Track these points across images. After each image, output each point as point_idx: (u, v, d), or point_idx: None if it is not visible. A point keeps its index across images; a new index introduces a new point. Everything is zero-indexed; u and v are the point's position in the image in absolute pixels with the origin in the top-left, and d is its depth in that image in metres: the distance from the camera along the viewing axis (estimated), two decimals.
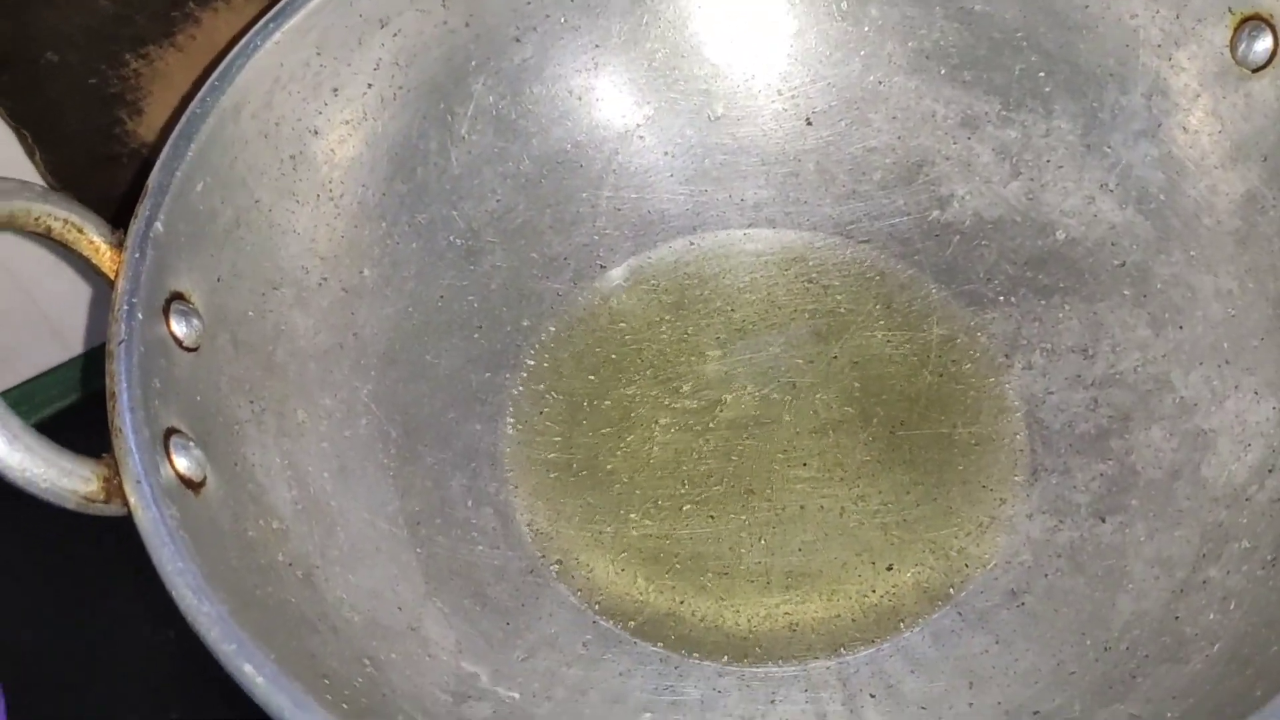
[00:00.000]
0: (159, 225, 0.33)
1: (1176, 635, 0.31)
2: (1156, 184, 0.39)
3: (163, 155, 0.34)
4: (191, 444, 0.31)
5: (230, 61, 0.36)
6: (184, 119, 0.35)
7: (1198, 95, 0.38)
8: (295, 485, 0.35)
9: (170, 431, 0.31)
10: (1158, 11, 0.38)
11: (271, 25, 0.37)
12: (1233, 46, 0.36)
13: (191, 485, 0.31)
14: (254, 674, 0.25)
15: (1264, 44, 0.36)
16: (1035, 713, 0.31)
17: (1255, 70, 0.36)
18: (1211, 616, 0.30)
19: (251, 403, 0.35)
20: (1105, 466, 0.37)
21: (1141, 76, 0.39)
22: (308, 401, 0.37)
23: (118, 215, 0.36)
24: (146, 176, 0.36)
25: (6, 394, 0.48)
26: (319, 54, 0.39)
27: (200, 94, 0.36)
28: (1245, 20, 0.36)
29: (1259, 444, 0.34)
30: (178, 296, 0.34)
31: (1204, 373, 0.36)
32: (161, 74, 0.47)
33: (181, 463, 0.30)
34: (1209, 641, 0.30)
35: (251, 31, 0.37)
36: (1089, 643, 0.33)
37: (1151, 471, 0.36)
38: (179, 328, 0.33)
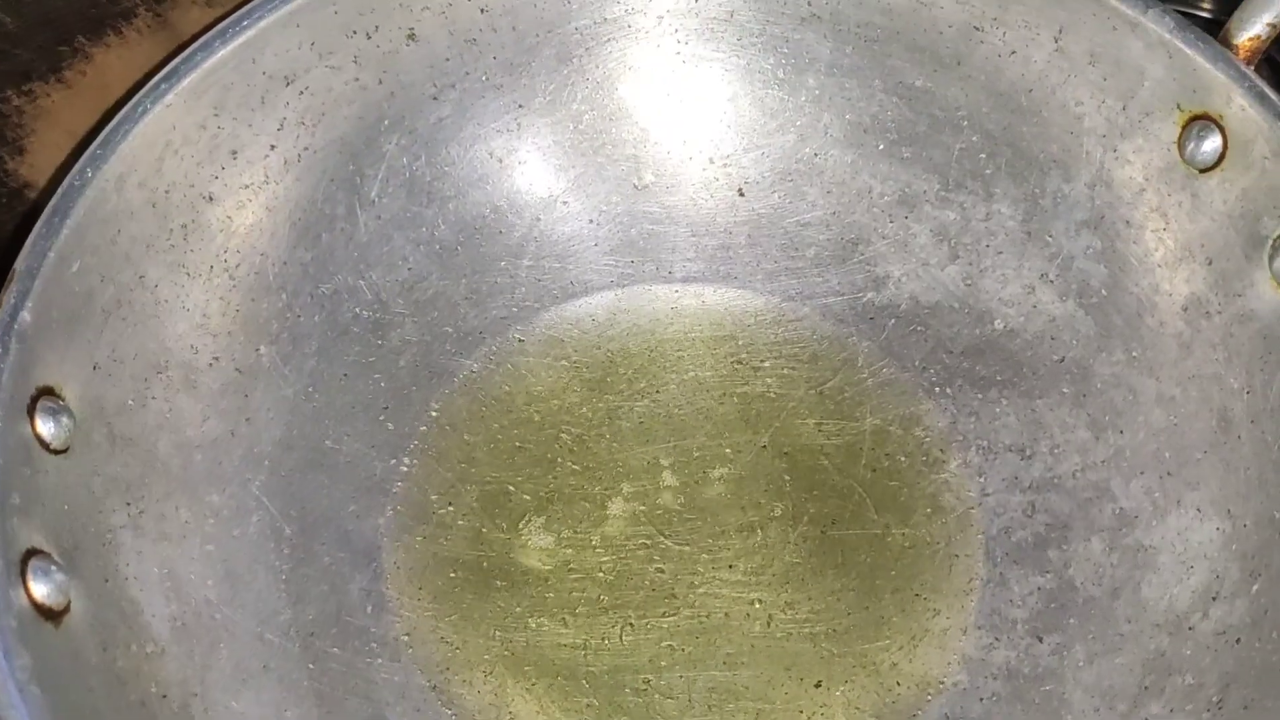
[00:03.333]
0: (26, 315, 0.30)
1: None
2: (1098, 278, 0.38)
3: (33, 234, 0.31)
4: (54, 567, 0.28)
5: (115, 126, 0.33)
6: (59, 193, 0.32)
7: (1142, 190, 0.37)
8: (175, 598, 0.32)
9: (30, 554, 0.28)
10: (1104, 101, 0.37)
11: (164, 86, 0.34)
12: (1180, 144, 0.35)
13: (51, 615, 0.27)
14: None
15: (1212, 144, 0.34)
16: None
17: (1203, 170, 0.35)
18: None
19: (128, 505, 0.32)
20: (1043, 580, 0.35)
21: (1085, 165, 0.38)
22: (192, 499, 0.34)
23: None
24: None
25: None
26: (216, 115, 0.36)
27: (79, 164, 0.32)
28: (1194, 119, 0.35)
29: (1202, 567, 0.32)
30: (46, 392, 0.30)
31: (1145, 483, 0.35)
32: (46, 111, 0.44)
33: (40, 590, 0.27)
34: None
35: (141, 93, 0.34)
36: None
37: (1090, 588, 0.34)
38: (46, 428, 0.30)
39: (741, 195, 0.43)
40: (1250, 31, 0.34)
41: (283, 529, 0.35)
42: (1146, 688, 0.31)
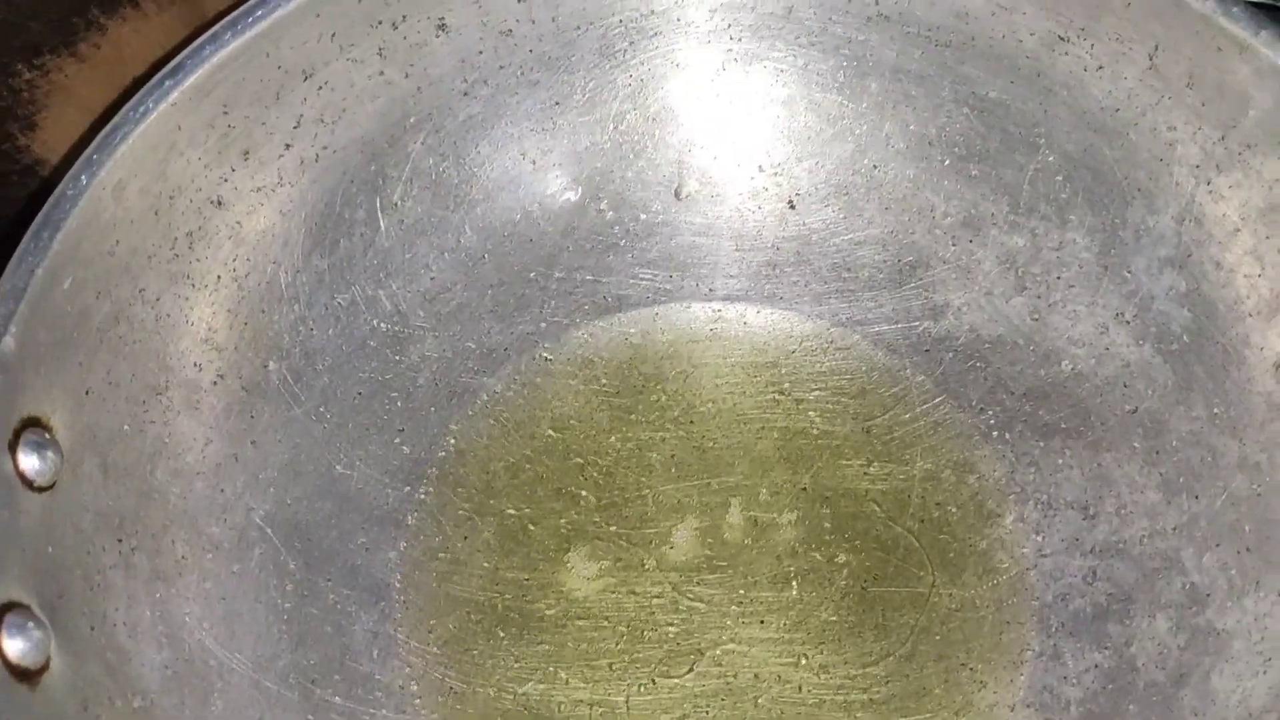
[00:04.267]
0: (9, 340, 0.28)
1: None
2: (1181, 322, 0.35)
3: (19, 250, 0.29)
4: (31, 623, 0.26)
5: (113, 128, 0.31)
6: (49, 203, 0.29)
7: (1237, 230, 0.33)
8: (168, 644, 0.30)
9: (5, 608, 0.26)
10: (1200, 128, 0.33)
11: (168, 82, 0.31)
12: None
13: (27, 676, 0.26)
14: None
15: None
16: None
17: None
18: None
19: (120, 541, 0.30)
20: (1101, 656, 0.32)
21: (1174, 198, 0.34)
22: (191, 531, 0.32)
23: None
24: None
25: None
26: (226, 112, 0.33)
27: (72, 170, 0.30)
28: None
29: None
30: (32, 424, 0.28)
31: (1220, 557, 0.32)
32: (59, 86, 0.42)
33: (15, 649, 0.26)
34: None
35: (142, 91, 0.31)
36: None
37: (1153, 671, 0.32)
38: (30, 464, 0.28)
39: (792, 208, 0.39)
40: None
41: (287, 563, 0.33)
42: None
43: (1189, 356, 0.34)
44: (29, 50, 0.41)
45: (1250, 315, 0.33)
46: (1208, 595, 0.32)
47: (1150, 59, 0.34)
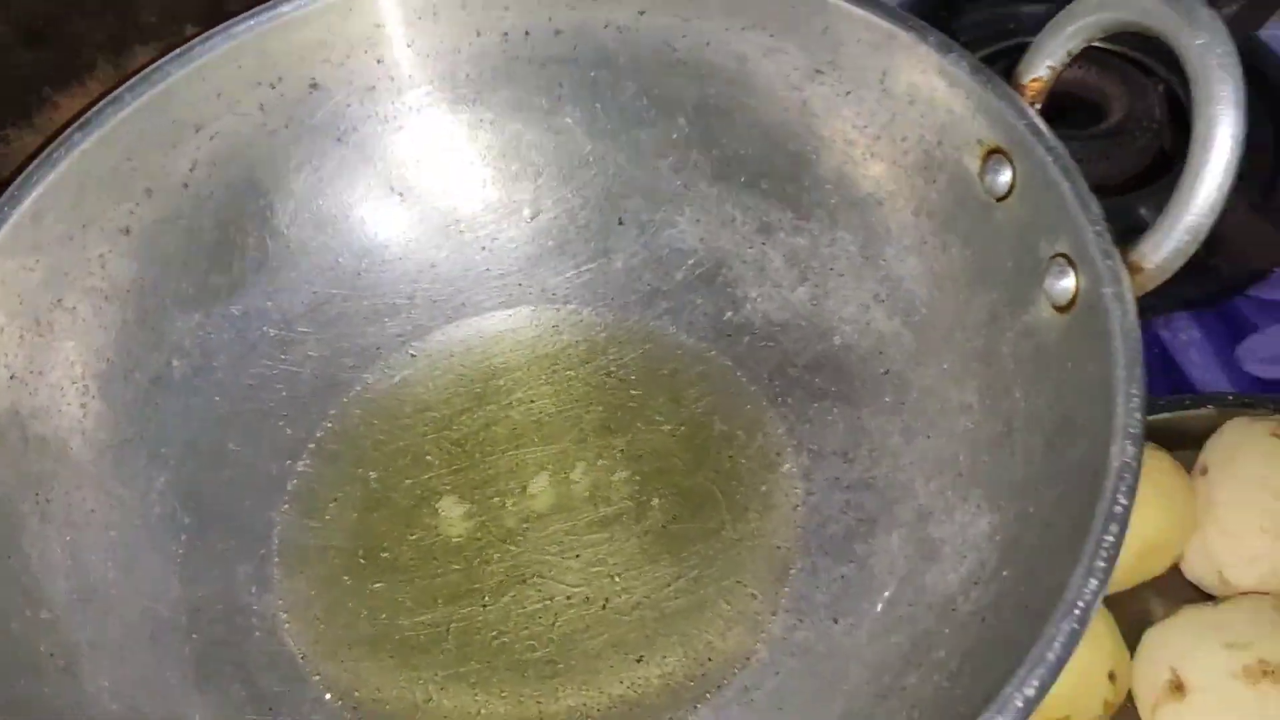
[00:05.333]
0: None
1: None
2: (920, 297, 0.41)
3: None
4: None
5: (32, 171, 0.39)
6: None
7: (955, 216, 0.40)
8: (74, 575, 0.37)
9: None
10: (923, 136, 0.41)
11: (78, 136, 0.39)
12: (981, 175, 0.39)
13: None
14: None
15: (1005, 175, 0.38)
16: None
17: (999, 199, 0.38)
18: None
19: (36, 495, 0.37)
20: (847, 569, 0.39)
21: (911, 196, 0.42)
22: (100, 491, 0.39)
23: None
24: None
25: None
26: (129, 160, 0.41)
27: None
28: (991, 152, 0.38)
29: (972, 556, 0.36)
30: None
31: (941, 483, 0.38)
32: (19, 152, 0.50)
33: None
34: None
35: (55, 143, 0.39)
36: None
37: (884, 576, 0.38)
38: None
39: (621, 224, 0.47)
40: (1034, 73, 0.37)
41: (182, 519, 0.40)
42: (909, 662, 0.34)
43: (926, 325, 0.41)
44: None
45: (967, 285, 0.40)
46: (930, 513, 0.38)
47: (881, 83, 0.41)
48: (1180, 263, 0.33)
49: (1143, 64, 0.58)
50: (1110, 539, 0.29)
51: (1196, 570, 0.42)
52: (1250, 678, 0.37)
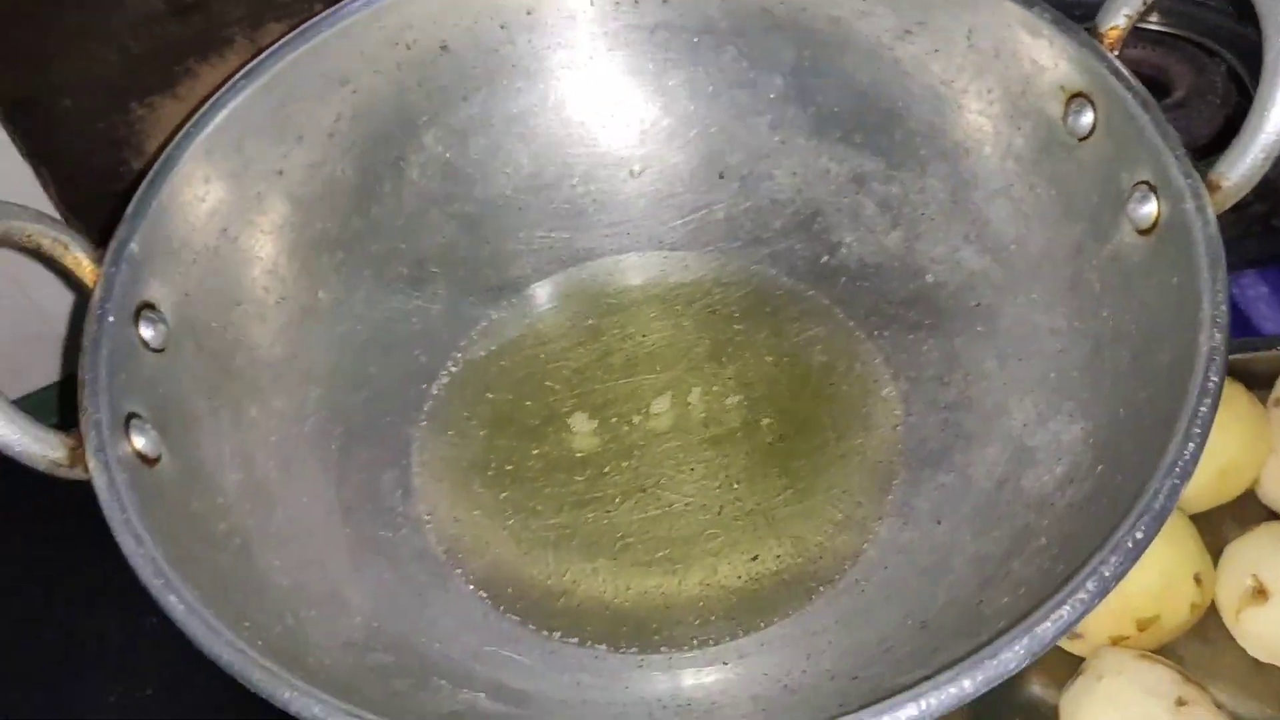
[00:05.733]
0: (134, 246, 0.39)
1: (977, 617, 0.36)
2: (1009, 235, 0.45)
3: (143, 186, 0.41)
4: (149, 427, 0.37)
5: (204, 112, 0.43)
6: (162, 157, 0.42)
7: (1038, 160, 0.44)
8: (242, 470, 0.41)
9: (131, 415, 0.37)
10: (1008, 87, 0.44)
11: (242, 82, 0.44)
12: (1064, 119, 0.42)
13: (146, 460, 0.36)
14: (176, 603, 0.31)
15: (1087, 117, 0.41)
16: (854, 678, 0.36)
17: (1081, 139, 0.42)
18: (1005, 600, 0.35)
19: (209, 399, 0.41)
20: (947, 478, 0.42)
21: (996, 142, 0.45)
22: (261, 402, 0.43)
23: None
24: None
25: (22, 400, 0.55)
26: (284, 106, 0.45)
27: (178, 136, 0.42)
28: (1073, 96, 0.42)
29: (1067, 459, 0.39)
30: (148, 306, 0.40)
31: (1035, 399, 0.42)
32: (162, 120, 0.54)
33: (139, 441, 0.36)
34: (999, 620, 0.35)
35: (223, 88, 0.43)
36: (909, 623, 0.38)
37: (983, 482, 0.41)
38: (147, 332, 0.39)
39: (722, 177, 0.51)
40: (1112, 22, 0.41)
41: (333, 429, 0.44)
42: (1010, 552, 0.37)
43: (1015, 260, 0.45)
44: (141, 92, 0.52)
45: (1055, 221, 0.43)
46: (1025, 426, 0.41)
47: (968, 40, 0.45)
48: (1256, 179, 0.36)
49: (1204, 45, 0.61)
50: (1204, 410, 0.32)
51: (1271, 494, 0.45)
52: None
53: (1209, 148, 0.58)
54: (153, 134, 0.53)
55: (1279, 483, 0.44)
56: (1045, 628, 0.29)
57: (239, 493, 0.40)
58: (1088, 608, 0.29)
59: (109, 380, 0.36)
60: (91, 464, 0.34)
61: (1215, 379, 0.32)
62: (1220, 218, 0.48)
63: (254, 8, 0.54)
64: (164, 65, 0.53)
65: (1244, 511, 0.45)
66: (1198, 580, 0.41)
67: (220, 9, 0.54)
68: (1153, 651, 0.40)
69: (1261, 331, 0.52)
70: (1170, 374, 0.35)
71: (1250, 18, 0.61)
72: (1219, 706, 0.38)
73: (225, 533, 0.38)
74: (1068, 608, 0.29)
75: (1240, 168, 0.36)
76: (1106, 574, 0.30)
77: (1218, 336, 0.33)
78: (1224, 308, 0.34)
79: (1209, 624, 0.42)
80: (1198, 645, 0.41)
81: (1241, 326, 0.52)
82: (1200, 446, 0.31)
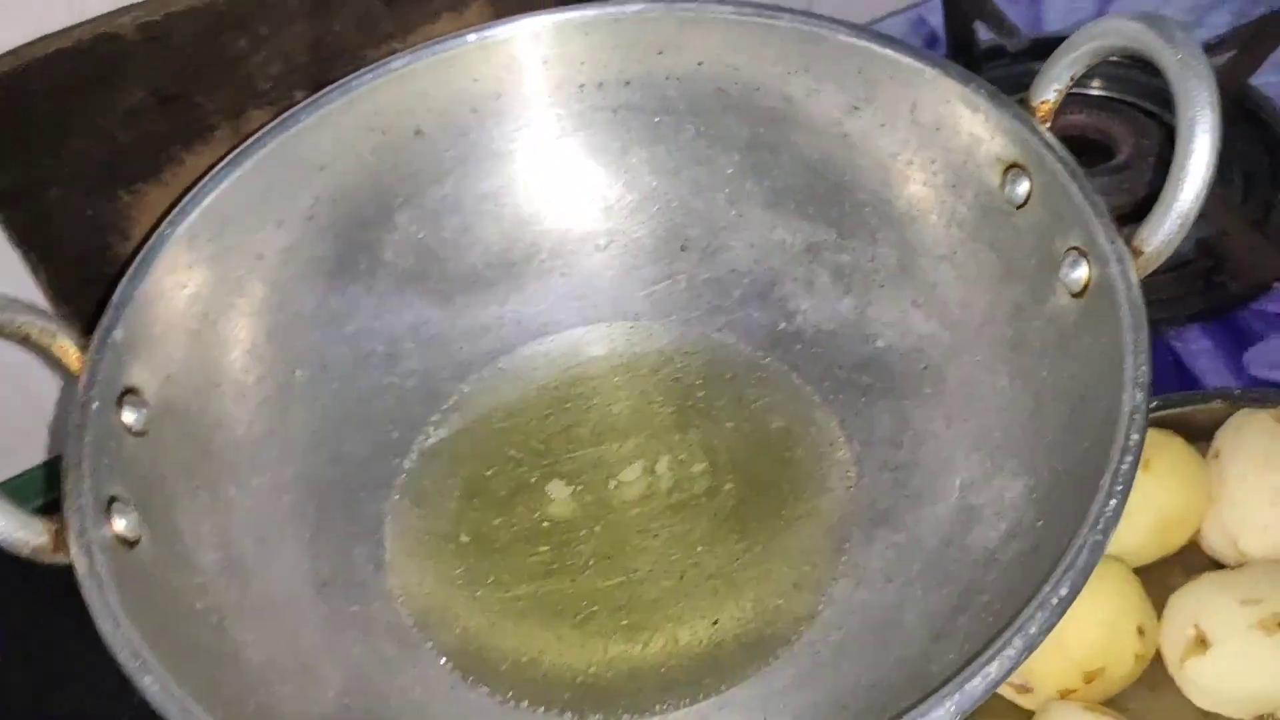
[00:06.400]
0: (117, 333, 0.41)
1: (924, 672, 0.37)
2: (954, 300, 0.47)
3: (127, 274, 0.43)
4: (130, 509, 0.39)
5: (187, 201, 0.45)
6: (146, 246, 0.44)
7: (980, 226, 0.46)
8: (220, 549, 0.42)
9: (113, 499, 0.38)
10: (950, 158, 0.46)
11: (224, 171, 0.46)
12: (1002, 188, 0.44)
13: (127, 543, 0.38)
14: (152, 684, 0.33)
15: (1023, 186, 0.43)
16: None
17: (1018, 207, 0.44)
18: (951, 657, 0.37)
19: (188, 479, 0.43)
20: (897, 538, 0.43)
21: (941, 210, 0.47)
22: (239, 481, 0.45)
23: None
24: None
25: (9, 482, 0.57)
26: (265, 193, 0.47)
27: (162, 225, 0.44)
28: (1009, 167, 0.44)
29: (1010, 515, 0.40)
30: (130, 391, 0.42)
31: (980, 457, 0.43)
32: (149, 205, 0.56)
33: (120, 524, 0.38)
34: (944, 675, 0.36)
35: (205, 178, 0.46)
36: (862, 682, 0.39)
37: (931, 541, 0.43)
38: (129, 417, 0.41)
39: (683, 250, 0.53)
40: (1043, 96, 0.43)
41: (308, 506, 0.46)
42: (958, 608, 0.39)
43: (960, 323, 0.46)
44: (127, 180, 0.54)
45: (996, 284, 0.45)
46: (971, 484, 0.43)
47: (911, 114, 0.47)
48: (1174, 245, 0.38)
49: (1143, 108, 0.64)
50: (1126, 466, 0.33)
51: (1214, 543, 0.46)
52: (1266, 629, 0.41)
53: (1151, 204, 0.60)
54: (140, 219, 0.55)
55: (1220, 533, 0.46)
56: (974, 684, 0.31)
57: (217, 571, 0.41)
58: (1015, 664, 0.31)
59: (92, 466, 0.38)
60: (73, 550, 0.36)
61: (1136, 437, 0.34)
62: (1164, 276, 0.50)
63: (235, 97, 0.56)
64: (150, 153, 0.55)
65: (1188, 562, 0.46)
66: (1141, 632, 0.42)
67: (203, 98, 0.56)
68: (1100, 703, 0.42)
69: (1204, 384, 0.54)
70: (1102, 431, 0.37)
71: None
72: None
73: (203, 611, 0.40)
74: (996, 664, 0.31)
75: (1160, 234, 0.38)
76: (1033, 630, 0.31)
77: (1139, 396, 0.35)
78: (1145, 368, 0.36)
79: (1155, 674, 0.43)
80: (1144, 695, 0.43)
81: (1185, 380, 0.54)
82: (1122, 503, 0.33)
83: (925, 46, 0.70)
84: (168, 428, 0.43)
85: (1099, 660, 0.41)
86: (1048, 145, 0.42)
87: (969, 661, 0.31)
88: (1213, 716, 0.42)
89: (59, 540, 0.36)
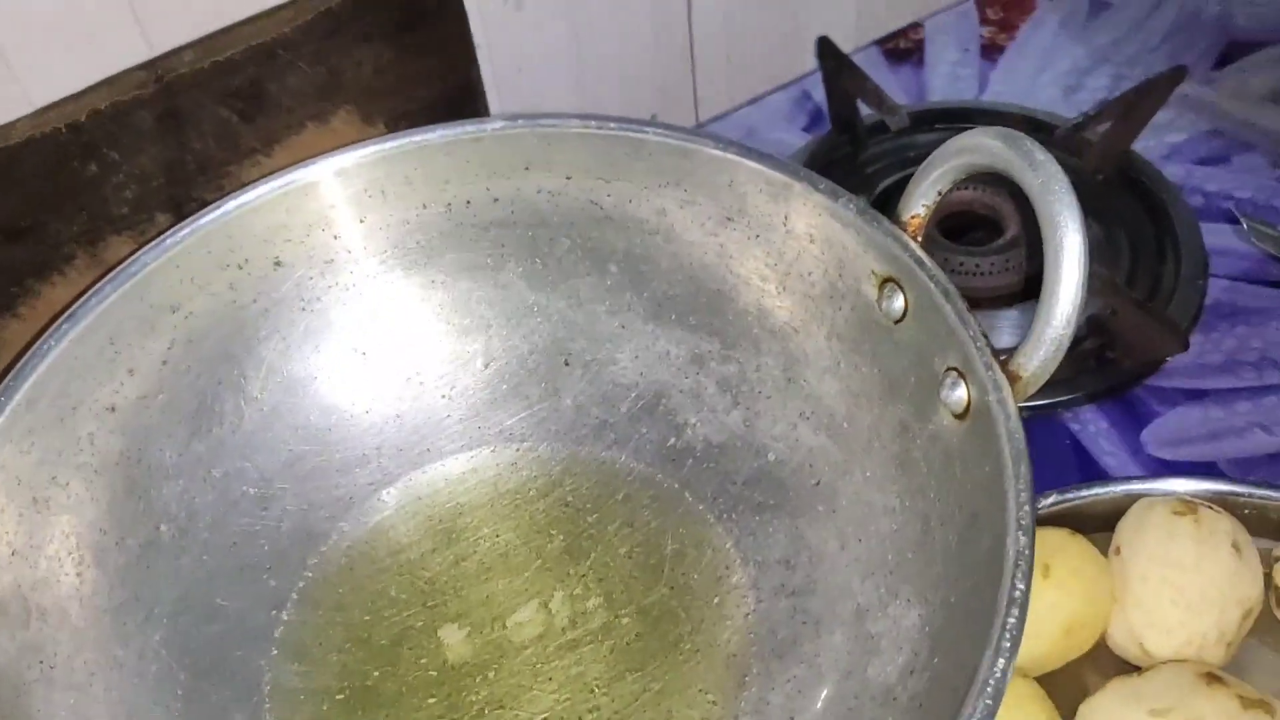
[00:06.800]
0: None
1: None
2: (840, 413, 0.46)
3: None
4: None
5: (25, 362, 0.42)
6: None
7: (859, 340, 0.45)
8: None
9: None
10: (826, 270, 0.45)
11: (65, 326, 0.43)
12: (879, 302, 0.43)
13: None
14: None
15: (899, 301, 0.42)
16: None
17: (896, 322, 0.43)
18: None
19: (41, 662, 0.40)
20: (799, 670, 0.42)
21: (822, 323, 0.46)
22: (99, 652, 0.42)
23: None
24: None
25: None
26: (112, 343, 0.45)
27: None
28: (885, 281, 0.43)
29: (907, 647, 0.39)
30: None
31: (875, 582, 0.42)
32: (5, 341, 0.53)
33: None
34: None
35: (45, 335, 0.43)
36: None
37: (832, 673, 0.41)
38: None
39: (567, 365, 0.51)
40: (912, 211, 0.43)
41: (178, 674, 0.43)
42: None
43: (848, 437, 0.45)
44: None
45: (879, 400, 0.44)
46: (867, 610, 0.42)
47: (785, 225, 0.46)
48: (1051, 369, 0.37)
49: None
50: (1013, 620, 0.32)
51: (1121, 644, 0.46)
52: None
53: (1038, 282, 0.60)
54: None
55: (1125, 633, 0.45)
56: None
57: None
58: None
59: None
60: None
61: (1021, 586, 0.33)
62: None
63: (91, 223, 0.54)
64: (3, 287, 0.52)
65: (1097, 661, 0.46)
66: None
67: (57, 228, 0.53)
68: None
69: (1102, 465, 0.53)
70: (989, 563, 0.36)
71: (1079, 152, 0.64)
72: None
73: None
74: None
75: (1036, 360, 0.37)
76: None
77: (1023, 540, 0.34)
78: (1027, 508, 0.35)
79: None
80: None
81: (1083, 461, 0.54)
82: (1010, 661, 0.32)
83: (810, 122, 0.70)
84: (14, 609, 0.40)
85: None
86: (918, 261, 0.41)
87: None
88: None
89: None
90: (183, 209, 0.55)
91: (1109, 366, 0.57)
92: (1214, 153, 0.66)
